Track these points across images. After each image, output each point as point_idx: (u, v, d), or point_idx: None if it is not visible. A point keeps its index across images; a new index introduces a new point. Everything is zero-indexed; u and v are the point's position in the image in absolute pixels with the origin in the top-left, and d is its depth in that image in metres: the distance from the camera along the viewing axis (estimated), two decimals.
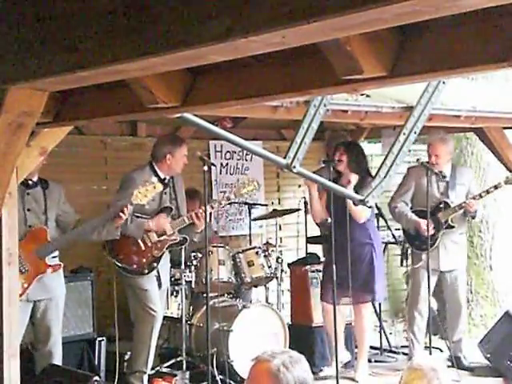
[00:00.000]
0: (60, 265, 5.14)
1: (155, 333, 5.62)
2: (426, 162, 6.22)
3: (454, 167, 6.55)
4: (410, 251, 6.65)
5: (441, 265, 6.32)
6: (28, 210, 5.03)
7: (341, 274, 5.53)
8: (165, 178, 5.70)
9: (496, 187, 6.23)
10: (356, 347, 6.29)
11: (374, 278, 6.03)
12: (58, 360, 5.13)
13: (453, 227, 6.31)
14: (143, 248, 5.58)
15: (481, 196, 6.26)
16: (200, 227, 5.69)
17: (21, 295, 4.85)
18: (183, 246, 5.79)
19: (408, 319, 6.63)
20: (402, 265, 6.86)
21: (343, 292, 5.72)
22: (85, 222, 5.19)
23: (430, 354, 6.03)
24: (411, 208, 6.45)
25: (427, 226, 6.06)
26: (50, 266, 5.06)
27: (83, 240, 5.36)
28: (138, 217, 5.55)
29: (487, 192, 6.25)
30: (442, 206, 6.31)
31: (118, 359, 5.62)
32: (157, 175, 5.66)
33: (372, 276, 6.02)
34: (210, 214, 6.28)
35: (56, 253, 5.16)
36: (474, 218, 6.48)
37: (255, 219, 7.12)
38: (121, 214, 5.03)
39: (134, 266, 5.58)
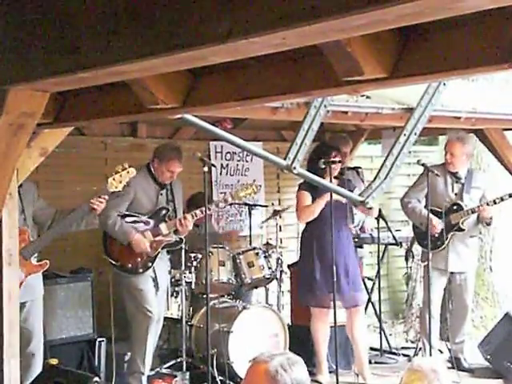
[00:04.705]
0: (46, 263, 5.02)
1: (151, 333, 5.61)
2: (443, 164, 6.30)
3: (471, 171, 6.51)
4: (415, 251, 6.65)
5: (449, 265, 6.29)
6: None
7: (329, 276, 5.59)
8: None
9: (510, 195, 6.12)
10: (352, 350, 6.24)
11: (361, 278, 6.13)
12: (39, 361, 5.02)
13: (463, 230, 6.28)
14: None
15: (495, 202, 6.17)
16: (182, 234, 5.69)
17: None
18: (180, 247, 5.79)
19: (420, 322, 6.59)
20: (407, 263, 6.85)
21: (338, 295, 5.70)
22: (62, 216, 5.07)
23: (430, 355, 6.03)
24: (424, 207, 6.42)
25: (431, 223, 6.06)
26: (38, 265, 4.98)
27: (63, 234, 5.30)
28: (131, 216, 5.56)
29: (501, 199, 6.15)
30: (455, 207, 6.30)
31: (114, 360, 5.63)
32: (153, 177, 5.69)
33: (359, 276, 6.10)
34: (211, 215, 6.25)
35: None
36: (488, 224, 6.41)
37: (261, 222, 7.13)
38: (94, 206, 4.93)
39: (129, 265, 5.59)
